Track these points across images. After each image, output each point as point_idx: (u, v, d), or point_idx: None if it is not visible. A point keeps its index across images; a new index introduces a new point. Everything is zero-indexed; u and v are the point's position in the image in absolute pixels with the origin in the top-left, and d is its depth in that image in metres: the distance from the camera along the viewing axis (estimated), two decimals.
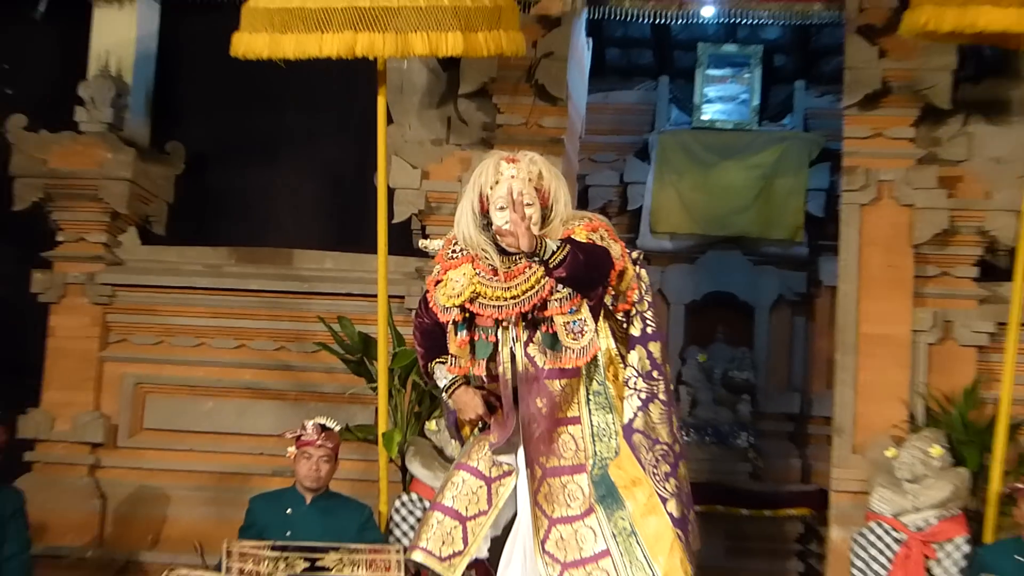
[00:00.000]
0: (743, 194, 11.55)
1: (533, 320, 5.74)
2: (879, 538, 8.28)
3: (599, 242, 5.72)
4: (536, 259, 5.59)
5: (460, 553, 5.86)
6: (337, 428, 8.08)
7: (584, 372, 5.79)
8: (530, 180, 5.69)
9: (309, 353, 9.38)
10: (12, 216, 9.75)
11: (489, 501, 5.93)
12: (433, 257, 6.00)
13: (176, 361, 9.60)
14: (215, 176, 10.24)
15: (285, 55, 8.20)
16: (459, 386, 5.89)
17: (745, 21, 10.29)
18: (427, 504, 8.46)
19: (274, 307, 9.56)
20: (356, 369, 8.91)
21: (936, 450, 8.36)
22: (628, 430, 5.78)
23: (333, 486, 8.19)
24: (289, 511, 7.94)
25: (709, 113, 11.91)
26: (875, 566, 8.23)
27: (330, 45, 8.10)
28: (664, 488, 5.73)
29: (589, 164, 11.79)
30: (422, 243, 6.16)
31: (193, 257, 9.79)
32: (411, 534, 8.38)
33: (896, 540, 8.24)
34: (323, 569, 7.65)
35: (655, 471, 5.74)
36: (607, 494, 5.72)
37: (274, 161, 10.12)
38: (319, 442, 7.86)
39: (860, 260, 9.09)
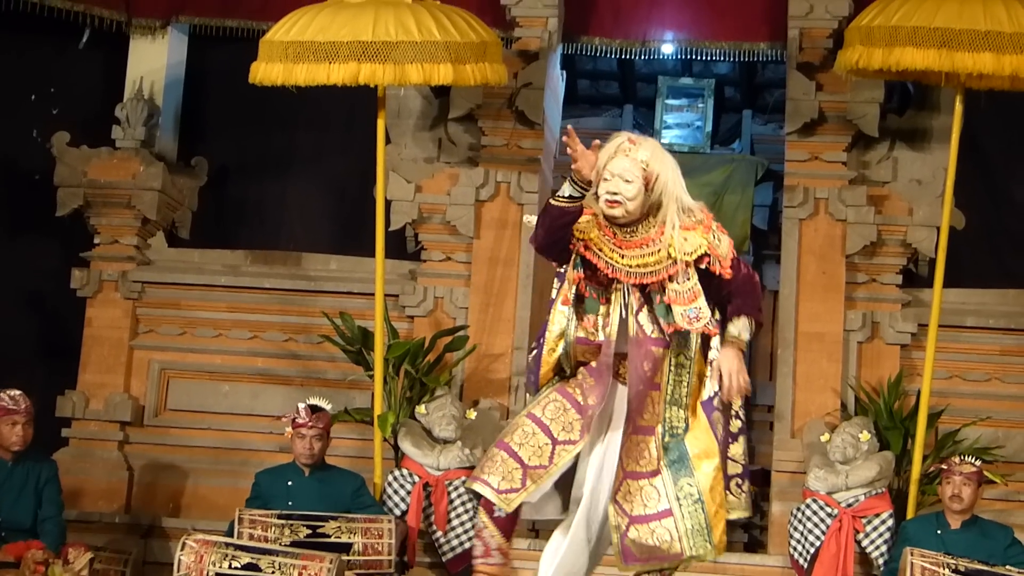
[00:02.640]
0: None
1: (648, 291, 5.54)
2: (814, 513, 8.22)
3: (714, 240, 5.55)
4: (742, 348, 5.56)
5: (516, 491, 5.52)
6: (329, 407, 8.04)
7: (673, 344, 5.58)
8: (640, 160, 5.46)
9: (314, 344, 9.26)
10: (55, 220, 9.63)
11: (551, 459, 5.59)
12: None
13: (197, 350, 9.47)
14: (234, 187, 10.11)
15: (297, 82, 8.19)
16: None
17: (700, 57, 10.16)
18: (416, 478, 8.36)
19: (284, 303, 9.45)
20: (355, 358, 8.82)
21: (865, 435, 8.32)
22: (708, 406, 5.60)
23: (334, 461, 8.13)
24: (290, 483, 7.92)
25: (668, 137, 11.80)
26: (811, 537, 8.16)
27: (337, 74, 8.08)
28: (726, 465, 5.59)
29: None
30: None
31: (214, 258, 9.68)
32: (403, 505, 8.29)
33: (829, 515, 8.18)
34: (323, 535, 7.56)
35: (724, 448, 5.59)
36: (678, 460, 5.52)
37: (286, 174, 10.01)
38: (311, 423, 7.90)
39: (799, 267, 9.01)
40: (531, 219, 5.86)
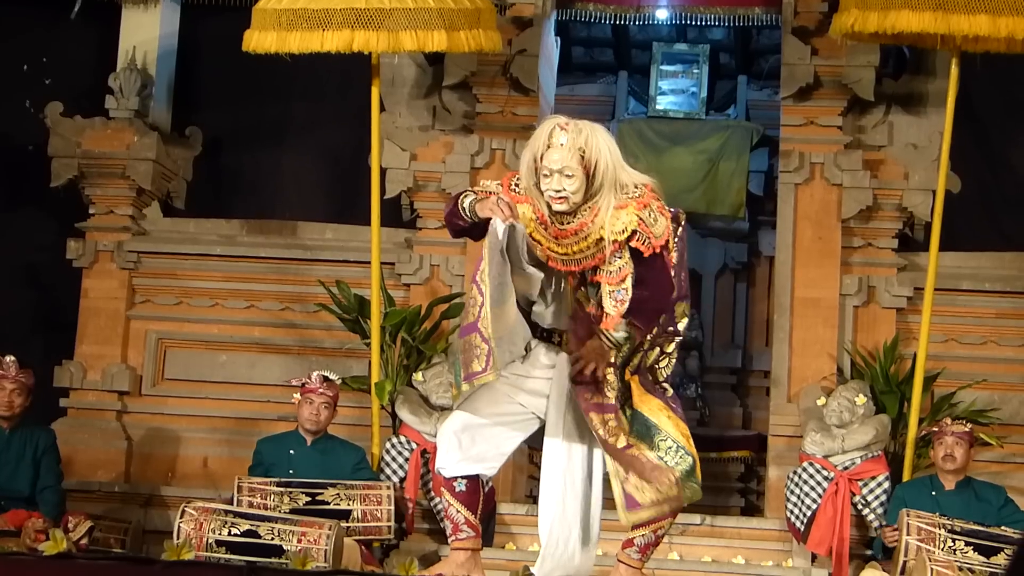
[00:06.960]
0: (692, 175, 11.44)
1: (582, 272, 5.50)
2: (811, 476, 8.26)
3: (648, 219, 5.41)
4: (615, 350, 5.50)
5: (485, 368, 5.43)
6: (338, 381, 8.09)
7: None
8: (577, 148, 5.33)
9: (311, 313, 9.30)
10: (50, 191, 9.66)
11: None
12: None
13: (194, 320, 9.52)
14: (229, 157, 10.15)
15: (291, 50, 8.19)
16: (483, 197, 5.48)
17: (694, 23, 10.22)
18: (414, 445, 8.41)
19: (280, 272, 9.48)
20: (352, 327, 8.88)
21: (861, 399, 8.36)
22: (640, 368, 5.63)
23: (332, 429, 8.16)
24: (292, 451, 7.95)
25: (662, 104, 11.80)
26: (807, 501, 8.21)
27: (330, 42, 8.08)
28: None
29: None
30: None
31: (209, 228, 9.72)
32: (400, 472, 8.34)
33: (826, 478, 8.23)
34: (322, 503, 7.62)
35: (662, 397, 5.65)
36: (642, 425, 5.53)
37: (281, 144, 10.04)
38: (320, 390, 7.93)
39: (794, 233, 9.06)
40: (489, 184, 5.85)
